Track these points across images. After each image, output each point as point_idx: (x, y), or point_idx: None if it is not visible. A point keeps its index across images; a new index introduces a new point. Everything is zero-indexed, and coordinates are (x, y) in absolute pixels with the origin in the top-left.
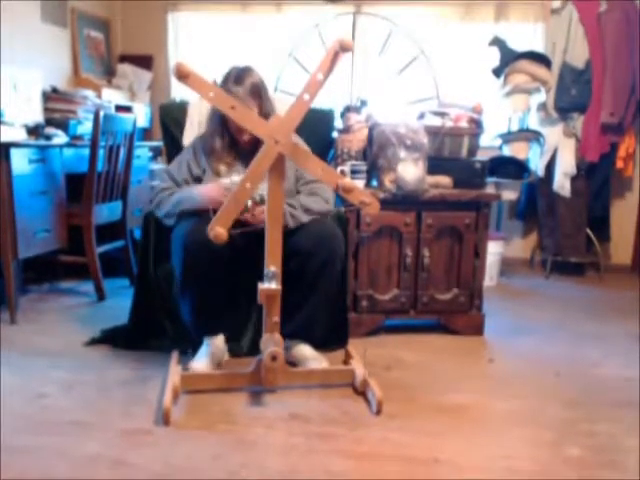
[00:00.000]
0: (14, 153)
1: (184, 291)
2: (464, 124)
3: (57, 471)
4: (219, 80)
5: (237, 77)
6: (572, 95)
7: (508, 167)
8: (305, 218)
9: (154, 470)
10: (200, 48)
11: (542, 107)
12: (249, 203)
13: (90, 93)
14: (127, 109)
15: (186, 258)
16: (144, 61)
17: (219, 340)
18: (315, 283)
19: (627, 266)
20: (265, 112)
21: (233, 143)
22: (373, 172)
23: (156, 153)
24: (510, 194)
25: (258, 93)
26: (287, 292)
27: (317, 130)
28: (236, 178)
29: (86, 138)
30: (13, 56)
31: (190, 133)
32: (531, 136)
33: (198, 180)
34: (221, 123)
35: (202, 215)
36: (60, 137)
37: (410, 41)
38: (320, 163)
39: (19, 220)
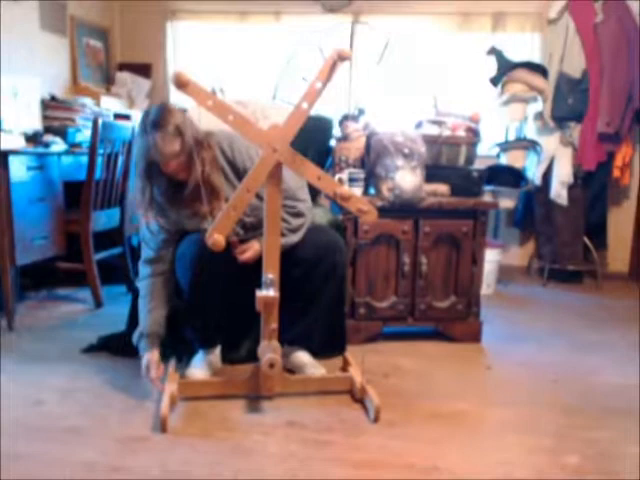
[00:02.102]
0: (12, 160)
1: (191, 310)
2: (461, 133)
3: (54, 477)
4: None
5: (155, 122)
6: (569, 104)
7: (505, 176)
8: (297, 237)
9: (151, 475)
10: (199, 57)
11: (539, 116)
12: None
13: (89, 101)
14: (126, 117)
15: (196, 280)
16: (143, 69)
17: (216, 348)
18: (318, 292)
19: (624, 274)
20: (188, 149)
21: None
22: (371, 180)
23: None
24: (507, 202)
25: (180, 132)
26: (289, 300)
27: (315, 138)
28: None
29: (84, 146)
30: (12, 64)
31: None
32: (528, 145)
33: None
34: (151, 173)
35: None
36: (58, 145)
37: (408, 50)
38: (317, 171)
39: (17, 227)
